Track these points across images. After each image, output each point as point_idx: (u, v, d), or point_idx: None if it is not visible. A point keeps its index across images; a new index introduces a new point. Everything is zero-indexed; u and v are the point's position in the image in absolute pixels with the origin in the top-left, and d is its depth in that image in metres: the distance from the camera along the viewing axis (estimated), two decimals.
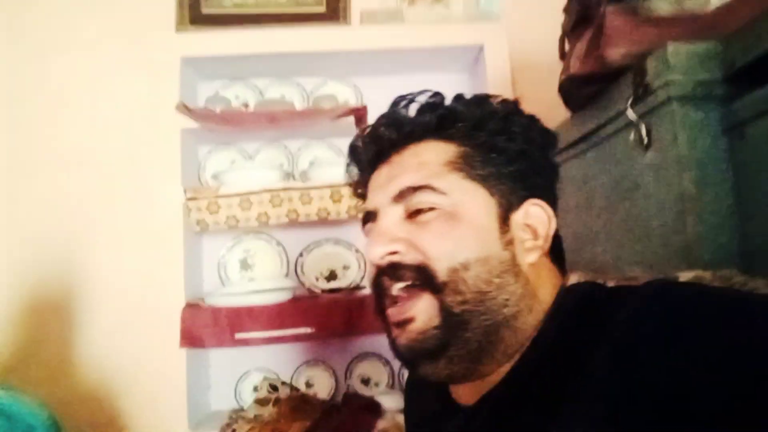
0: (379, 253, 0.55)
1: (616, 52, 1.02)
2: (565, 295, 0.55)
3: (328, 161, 1.71)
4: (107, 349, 1.53)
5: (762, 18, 0.85)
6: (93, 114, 1.62)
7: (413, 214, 0.56)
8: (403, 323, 0.54)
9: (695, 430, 0.35)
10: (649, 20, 0.98)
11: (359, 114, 1.63)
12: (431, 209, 0.55)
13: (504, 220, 0.55)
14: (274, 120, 1.59)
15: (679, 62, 0.93)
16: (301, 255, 1.75)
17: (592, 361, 0.43)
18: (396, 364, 1.76)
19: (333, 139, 1.80)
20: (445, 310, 0.52)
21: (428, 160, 0.57)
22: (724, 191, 0.91)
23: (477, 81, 1.81)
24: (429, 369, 0.54)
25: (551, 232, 0.57)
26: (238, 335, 1.53)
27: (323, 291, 1.67)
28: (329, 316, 1.55)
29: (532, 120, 0.61)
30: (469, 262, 0.52)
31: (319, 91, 1.78)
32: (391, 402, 1.62)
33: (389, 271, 0.55)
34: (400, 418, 1.55)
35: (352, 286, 1.70)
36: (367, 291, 1.68)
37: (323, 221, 1.64)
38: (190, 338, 1.52)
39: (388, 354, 1.74)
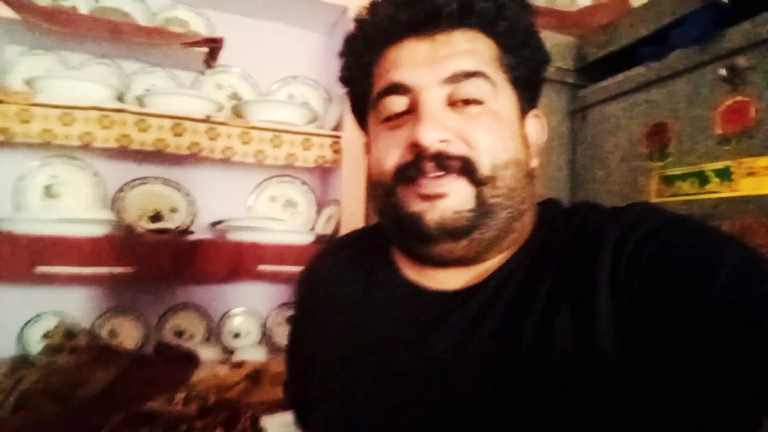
0: (433, 137, 0.55)
1: None
2: (545, 202, 0.64)
3: (168, 91, 1.59)
4: None
5: (613, 24, 1.06)
6: None
7: (458, 104, 0.57)
8: (435, 197, 0.56)
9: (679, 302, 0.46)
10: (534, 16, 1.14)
11: (215, 46, 1.56)
12: (478, 103, 0.57)
13: (522, 126, 0.61)
14: (117, 32, 1.43)
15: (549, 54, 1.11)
16: (121, 191, 1.60)
17: (595, 252, 0.53)
18: (215, 316, 1.71)
19: (174, 69, 1.68)
20: (479, 199, 0.56)
21: (480, 51, 0.58)
22: (565, 159, 1.11)
23: (334, 45, 1.84)
24: (447, 247, 0.58)
25: (543, 143, 0.65)
26: (40, 269, 1.34)
27: (147, 231, 1.54)
28: (154, 257, 1.45)
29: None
30: (509, 161, 0.57)
31: (167, 13, 1.64)
32: (209, 354, 1.58)
33: (434, 157, 0.56)
34: (219, 369, 1.52)
35: (180, 229, 1.60)
36: (196, 236, 1.60)
37: (154, 156, 1.52)
38: None
39: (207, 305, 1.70)
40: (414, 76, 0.58)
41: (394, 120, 0.60)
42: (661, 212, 0.55)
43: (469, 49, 0.57)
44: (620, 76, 1.01)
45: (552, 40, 1.11)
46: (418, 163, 0.56)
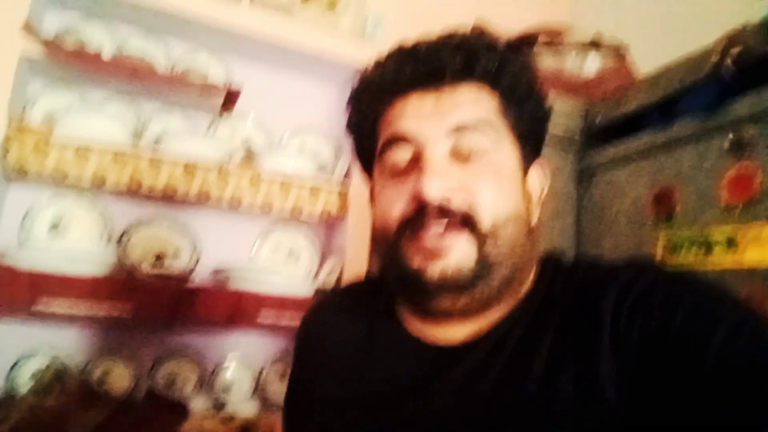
0: (436, 191, 0.56)
1: None
2: (547, 258, 0.65)
3: (183, 133, 1.64)
4: None
5: (618, 94, 1.09)
6: None
7: (462, 156, 0.58)
8: (437, 254, 0.57)
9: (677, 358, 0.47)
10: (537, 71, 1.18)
11: (231, 97, 1.61)
12: (482, 155, 0.58)
13: (524, 180, 0.62)
14: (137, 75, 1.49)
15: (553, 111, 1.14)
16: (127, 230, 1.62)
17: (596, 309, 0.53)
18: (209, 365, 1.69)
19: (192, 111, 1.73)
20: (480, 255, 0.57)
21: (484, 102, 0.60)
22: (570, 222, 1.12)
23: (344, 98, 1.90)
24: (448, 301, 0.59)
25: (544, 197, 0.66)
26: (38, 307, 1.34)
27: (148, 275, 1.55)
28: (153, 300, 1.45)
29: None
30: (509, 218, 0.58)
31: (188, 57, 1.71)
32: (199, 404, 1.56)
33: (437, 211, 0.57)
34: (207, 422, 1.49)
35: (182, 274, 1.61)
36: (197, 281, 1.60)
37: (162, 198, 1.56)
38: None
39: (202, 353, 1.68)
40: (419, 128, 0.59)
41: (400, 171, 0.61)
42: (659, 269, 0.56)
43: (473, 100, 0.60)
44: (627, 142, 1.03)
45: (560, 104, 1.15)
46: (421, 214, 0.57)
